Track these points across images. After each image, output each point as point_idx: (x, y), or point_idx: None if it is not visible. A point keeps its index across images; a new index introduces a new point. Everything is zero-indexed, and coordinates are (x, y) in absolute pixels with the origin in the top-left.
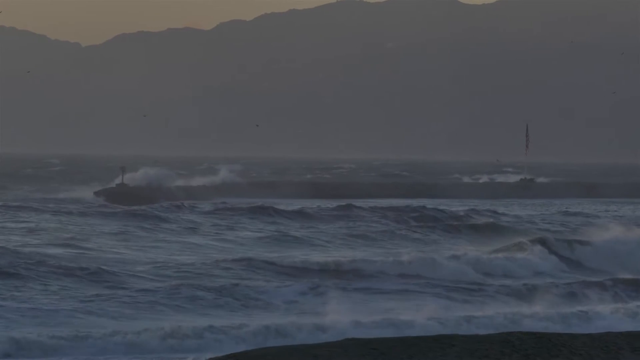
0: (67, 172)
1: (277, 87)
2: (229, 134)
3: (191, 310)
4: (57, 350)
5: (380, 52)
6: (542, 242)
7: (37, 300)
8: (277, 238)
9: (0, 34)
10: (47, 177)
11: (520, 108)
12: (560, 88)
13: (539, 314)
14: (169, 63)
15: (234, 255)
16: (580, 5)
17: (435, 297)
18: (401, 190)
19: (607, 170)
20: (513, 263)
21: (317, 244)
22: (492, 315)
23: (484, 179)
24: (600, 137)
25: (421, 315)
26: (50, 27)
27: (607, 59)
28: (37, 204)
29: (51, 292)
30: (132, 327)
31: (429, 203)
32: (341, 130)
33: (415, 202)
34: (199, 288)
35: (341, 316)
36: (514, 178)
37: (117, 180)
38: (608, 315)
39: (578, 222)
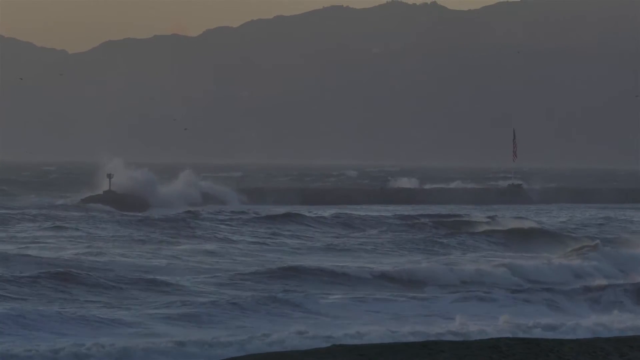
0: (59, 179)
1: (263, 92)
2: (216, 140)
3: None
4: None
5: (366, 58)
6: (602, 248)
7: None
8: (322, 246)
9: None
10: (46, 183)
11: (508, 113)
12: (546, 93)
13: None
14: (156, 70)
15: (287, 263)
16: (564, 9)
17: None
18: (398, 196)
19: (596, 175)
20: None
21: (372, 251)
22: None
23: (472, 184)
24: (589, 142)
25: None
26: (36, 35)
27: (592, 61)
28: (63, 212)
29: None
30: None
31: (429, 209)
32: (327, 136)
33: (414, 209)
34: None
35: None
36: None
37: (104, 187)
38: None
39: (614, 227)
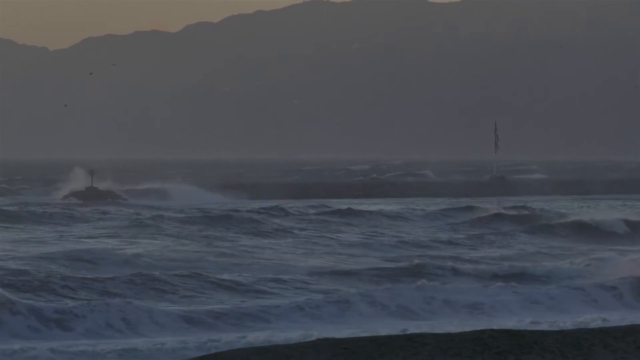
0: (39, 176)
1: (244, 88)
2: (197, 136)
3: None
4: None
5: (347, 52)
6: None
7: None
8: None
9: None
10: (26, 180)
11: (490, 106)
12: (527, 85)
13: None
14: (137, 66)
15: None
16: (545, 3)
17: None
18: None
19: (582, 167)
20: None
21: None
22: None
23: (453, 176)
24: (567, 134)
25: None
26: (17, 32)
27: (572, 56)
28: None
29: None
30: None
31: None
32: (309, 130)
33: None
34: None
35: None
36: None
37: (86, 183)
38: None
39: None
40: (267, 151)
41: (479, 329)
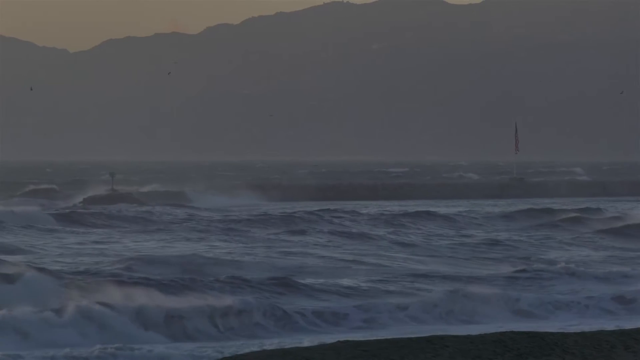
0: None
1: (264, 90)
2: (217, 138)
3: None
4: None
5: (366, 53)
6: None
7: None
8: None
9: None
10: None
11: (508, 107)
12: (546, 86)
13: None
14: (157, 68)
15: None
16: (564, 3)
17: None
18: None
19: (599, 168)
20: None
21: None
22: None
23: (474, 178)
24: (588, 135)
25: None
26: (37, 34)
27: (590, 55)
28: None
29: None
30: None
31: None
32: (328, 132)
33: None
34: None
35: None
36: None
37: (107, 186)
38: None
39: None
40: (284, 153)
41: (498, 331)
